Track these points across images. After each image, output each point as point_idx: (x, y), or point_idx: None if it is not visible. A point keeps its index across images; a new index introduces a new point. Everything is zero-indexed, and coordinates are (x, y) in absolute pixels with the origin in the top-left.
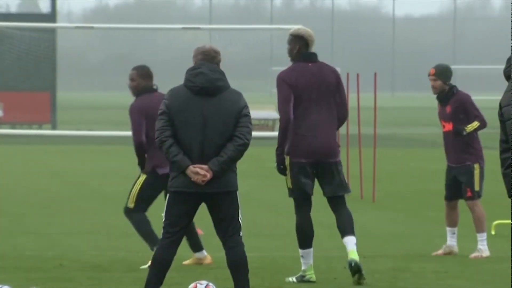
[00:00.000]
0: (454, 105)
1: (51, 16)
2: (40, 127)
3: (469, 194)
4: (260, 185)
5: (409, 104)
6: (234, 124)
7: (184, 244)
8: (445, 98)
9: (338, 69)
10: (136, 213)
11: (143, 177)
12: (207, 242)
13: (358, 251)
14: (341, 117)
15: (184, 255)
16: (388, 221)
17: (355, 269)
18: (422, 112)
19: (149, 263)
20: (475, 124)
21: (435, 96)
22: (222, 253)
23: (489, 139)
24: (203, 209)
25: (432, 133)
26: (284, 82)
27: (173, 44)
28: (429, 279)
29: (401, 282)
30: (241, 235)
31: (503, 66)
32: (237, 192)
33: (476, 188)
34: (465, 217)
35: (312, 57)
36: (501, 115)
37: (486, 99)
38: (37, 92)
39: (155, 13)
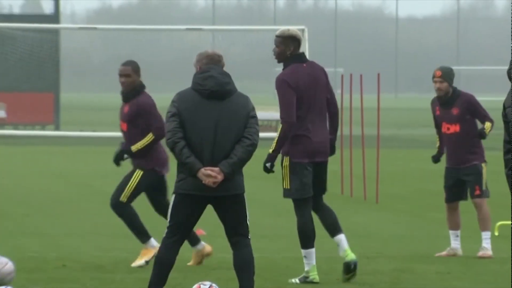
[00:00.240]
0: (462, 106)
1: (55, 17)
2: (43, 128)
3: (477, 192)
4: (262, 186)
5: (412, 105)
6: (244, 127)
7: (186, 245)
8: (450, 100)
9: (341, 70)
10: (129, 208)
11: (139, 173)
12: (211, 243)
13: (361, 252)
14: (335, 113)
15: (188, 256)
16: (391, 222)
17: (353, 270)
18: (425, 113)
19: (140, 261)
20: (489, 125)
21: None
22: (225, 254)
23: (492, 140)
24: (207, 211)
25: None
26: (288, 85)
27: (176, 45)
28: (432, 280)
29: (404, 283)
30: (249, 237)
31: (506, 67)
32: (245, 194)
33: (484, 187)
34: (467, 218)
35: (305, 58)
36: (504, 116)
37: (490, 100)
38: (40, 93)
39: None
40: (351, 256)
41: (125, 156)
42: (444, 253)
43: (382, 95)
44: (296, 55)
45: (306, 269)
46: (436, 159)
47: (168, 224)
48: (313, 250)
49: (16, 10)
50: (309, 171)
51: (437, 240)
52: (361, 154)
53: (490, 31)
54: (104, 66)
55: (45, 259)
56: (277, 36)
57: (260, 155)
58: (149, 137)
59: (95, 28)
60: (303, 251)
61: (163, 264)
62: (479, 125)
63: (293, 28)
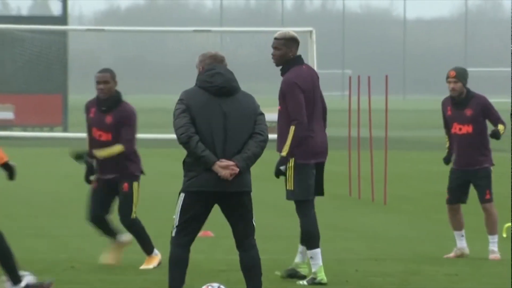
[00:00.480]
0: (477, 107)
1: (62, 19)
2: (51, 130)
3: (488, 196)
4: (265, 187)
5: (420, 107)
6: (253, 123)
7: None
8: (463, 101)
9: (349, 72)
10: (138, 221)
11: (136, 185)
12: (218, 245)
13: (369, 254)
14: (325, 112)
15: (196, 257)
16: (399, 224)
17: (293, 278)
18: (433, 115)
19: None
20: (503, 127)
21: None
22: (234, 256)
23: (497, 141)
24: (214, 212)
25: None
26: (298, 87)
27: (184, 47)
28: (441, 282)
29: (413, 285)
30: (254, 238)
31: None
32: (251, 194)
33: (492, 190)
34: (474, 220)
35: (303, 60)
36: None
37: (498, 102)
38: (48, 94)
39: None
40: (305, 271)
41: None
42: (452, 254)
43: (390, 97)
44: (297, 57)
45: (313, 270)
46: (447, 160)
47: (176, 224)
48: (319, 250)
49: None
50: (313, 172)
51: (445, 241)
52: (369, 156)
53: (498, 32)
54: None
55: (54, 261)
56: (278, 39)
57: (264, 156)
58: (119, 149)
59: (103, 30)
60: (309, 253)
61: (179, 264)
62: (490, 126)
63: (290, 30)
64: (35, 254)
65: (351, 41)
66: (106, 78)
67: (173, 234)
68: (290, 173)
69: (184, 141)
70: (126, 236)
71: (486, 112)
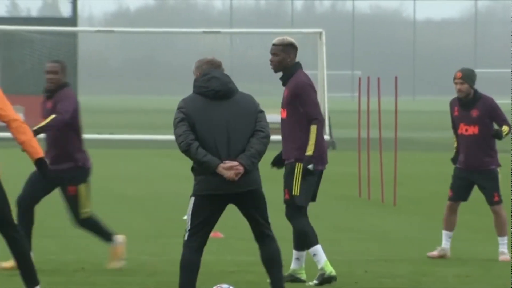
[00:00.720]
0: (483, 108)
1: (72, 20)
2: None
3: (496, 198)
4: (269, 188)
5: (430, 108)
6: (254, 122)
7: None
8: (470, 102)
9: (359, 73)
10: (93, 216)
11: (83, 187)
12: (228, 246)
13: (379, 255)
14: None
15: (206, 258)
16: (409, 225)
17: (292, 281)
18: (443, 116)
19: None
20: (507, 128)
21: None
22: (243, 257)
23: (499, 142)
24: (224, 213)
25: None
26: (311, 87)
27: (194, 48)
28: (451, 283)
29: (423, 286)
30: (272, 230)
31: None
32: (262, 189)
33: (500, 192)
34: (483, 222)
35: (301, 66)
36: None
37: (507, 103)
38: None
39: (175, 17)
40: (304, 276)
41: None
42: (435, 253)
43: (400, 98)
44: (297, 63)
45: (320, 266)
46: (455, 160)
47: (188, 227)
48: (319, 246)
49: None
50: (316, 179)
51: (456, 243)
52: (379, 156)
53: (508, 33)
54: (121, 68)
55: (64, 262)
56: (276, 45)
57: (269, 157)
58: (50, 118)
59: (113, 31)
60: (311, 250)
61: (190, 268)
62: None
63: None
64: (45, 255)
65: (360, 42)
66: (55, 68)
67: (185, 238)
68: (298, 178)
69: (184, 149)
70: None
71: (493, 113)
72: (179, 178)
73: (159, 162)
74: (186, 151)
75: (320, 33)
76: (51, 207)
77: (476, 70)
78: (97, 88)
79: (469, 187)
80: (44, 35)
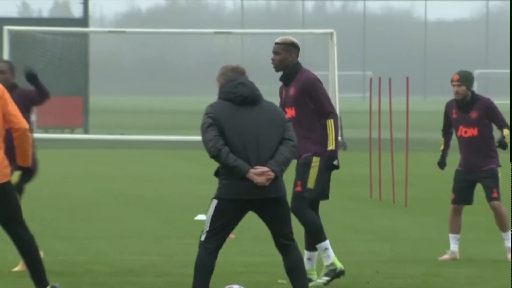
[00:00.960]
0: (481, 110)
1: (84, 21)
2: (72, 132)
3: (495, 194)
4: None
5: (441, 109)
6: (282, 130)
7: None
8: (468, 104)
9: (370, 73)
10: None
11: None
12: (239, 247)
13: (390, 256)
14: None
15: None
16: (420, 226)
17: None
18: None
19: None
20: (508, 132)
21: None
22: (253, 258)
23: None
24: None
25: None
26: (321, 83)
27: (205, 49)
28: (462, 284)
29: (434, 287)
30: (294, 239)
31: None
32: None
33: (500, 190)
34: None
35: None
36: None
37: None
38: (69, 96)
39: (186, 18)
40: (315, 277)
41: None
42: (446, 256)
43: (411, 98)
44: (298, 62)
45: (330, 261)
46: (442, 164)
47: (207, 229)
48: (328, 241)
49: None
50: (329, 174)
51: (466, 243)
52: (390, 157)
53: None
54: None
55: (75, 263)
56: (278, 44)
57: None
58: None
59: (124, 32)
60: (323, 245)
61: (205, 270)
62: (495, 129)
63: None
64: (55, 255)
65: (372, 42)
66: (3, 68)
67: (202, 239)
68: (314, 172)
69: (214, 154)
70: None
71: (491, 114)
72: (189, 178)
73: (170, 162)
74: (217, 156)
75: (331, 33)
76: (61, 209)
77: (487, 71)
78: (108, 88)
79: (471, 189)
80: (56, 36)
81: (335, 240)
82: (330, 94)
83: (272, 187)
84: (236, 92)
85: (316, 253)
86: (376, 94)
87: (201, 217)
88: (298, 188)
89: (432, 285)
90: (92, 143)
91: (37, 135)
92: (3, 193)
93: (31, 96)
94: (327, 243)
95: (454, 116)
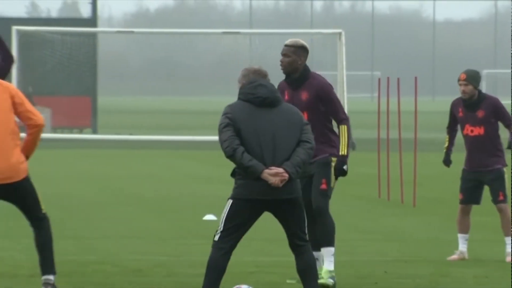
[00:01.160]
0: (488, 109)
1: (92, 21)
2: (80, 132)
3: (501, 197)
4: None
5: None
6: (299, 132)
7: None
8: (475, 103)
9: (378, 73)
10: None
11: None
12: (248, 246)
13: (399, 256)
14: None
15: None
16: (429, 226)
17: None
18: None
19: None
20: None
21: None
22: (263, 258)
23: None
24: None
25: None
26: (333, 88)
27: (213, 49)
28: (470, 284)
29: (442, 287)
30: (308, 241)
31: None
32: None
33: (507, 191)
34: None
35: None
36: None
37: None
38: (78, 96)
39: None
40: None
41: None
42: (455, 256)
43: (420, 98)
44: (306, 65)
45: (333, 268)
46: (447, 162)
47: (221, 229)
48: None
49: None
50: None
51: (474, 243)
52: (398, 157)
53: None
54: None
55: (83, 263)
56: (288, 46)
57: None
58: None
59: (132, 32)
60: (333, 249)
61: (217, 270)
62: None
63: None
64: (63, 255)
65: (380, 42)
66: None
67: (216, 239)
68: (332, 171)
69: (230, 154)
70: None
71: (498, 113)
72: (198, 179)
73: (178, 163)
74: (231, 156)
75: (340, 33)
76: (69, 209)
77: (496, 71)
78: (117, 88)
79: (478, 188)
80: (64, 36)
81: (344, 240)
82: (338, 94)
83: (287, 188)
84: (256, 93)
85: (321, 253)
86: (384, 94)
87: (209, 217)
88: (324, 186)
89: (440, 285)
90: (101, 143)
91: (45, 135)
92: (21, 189)
93: None
94: (334, 248)
95: (461, 114)
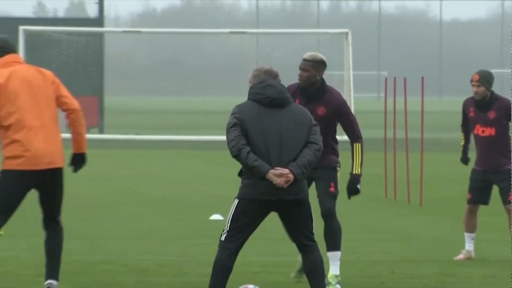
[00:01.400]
0: (500, 110)
1: (99, 21)
2: (87, 132)
3: (511, 198)
4: None
5: (457, 108)
6: (307, 134)
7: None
8: (487, 104)
9: (385, 73)
10: None
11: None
12: (254, 246)
13: (405, 256)
14: None
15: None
16: (435, 226)
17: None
18: None
19: None
20: None
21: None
22: (268, 257)
23: None
24: None
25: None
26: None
27: (220, 49)
28: (477, 284)
29: (449, 287)
30: (315, 240)
31: None
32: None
33: None
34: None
35: None
36: None
37: None
38: (84, 96)
39: (201, 18)
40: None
41: None
42: (461, 256)
43: (426, 98)
44: (323, 79)
45: (338, 273)
46: (465, 160)
47: (227, 229)
48: None
49: (61, 14)
50: None
51: (481, 243)
52: (405, 157)
53: None
54: (148, 69)
55: (90, 263)
56: (307, 60)
57: None
58: None
59: (139, 32)
60: (340, 253)
61: (223, 270)
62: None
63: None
64: (71, 255)
65: (387, 42)
66: None
67: (222, 239)
68: (338, 176)
69: (235, 154)
70: None
71: (510, 115)
72: (204, 179)
73: (185, 163)
74: (237, 155)
75: (346, 33)
76: (76, 209)
77: (502, 71)
78: (123, 88)
79: (487, 188)
80: (71, 36)
81: (350, 240)
82: (345, 94)
83: (293, 189)
84: (264, 94)
85: (328, 254)
86: (391, 94)
87: (216, 217)
88: (332, 189)
89: (447, 285)
90: (107, 143)
91: None
92: (57, 178)
93: None
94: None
95: (472, 114)
